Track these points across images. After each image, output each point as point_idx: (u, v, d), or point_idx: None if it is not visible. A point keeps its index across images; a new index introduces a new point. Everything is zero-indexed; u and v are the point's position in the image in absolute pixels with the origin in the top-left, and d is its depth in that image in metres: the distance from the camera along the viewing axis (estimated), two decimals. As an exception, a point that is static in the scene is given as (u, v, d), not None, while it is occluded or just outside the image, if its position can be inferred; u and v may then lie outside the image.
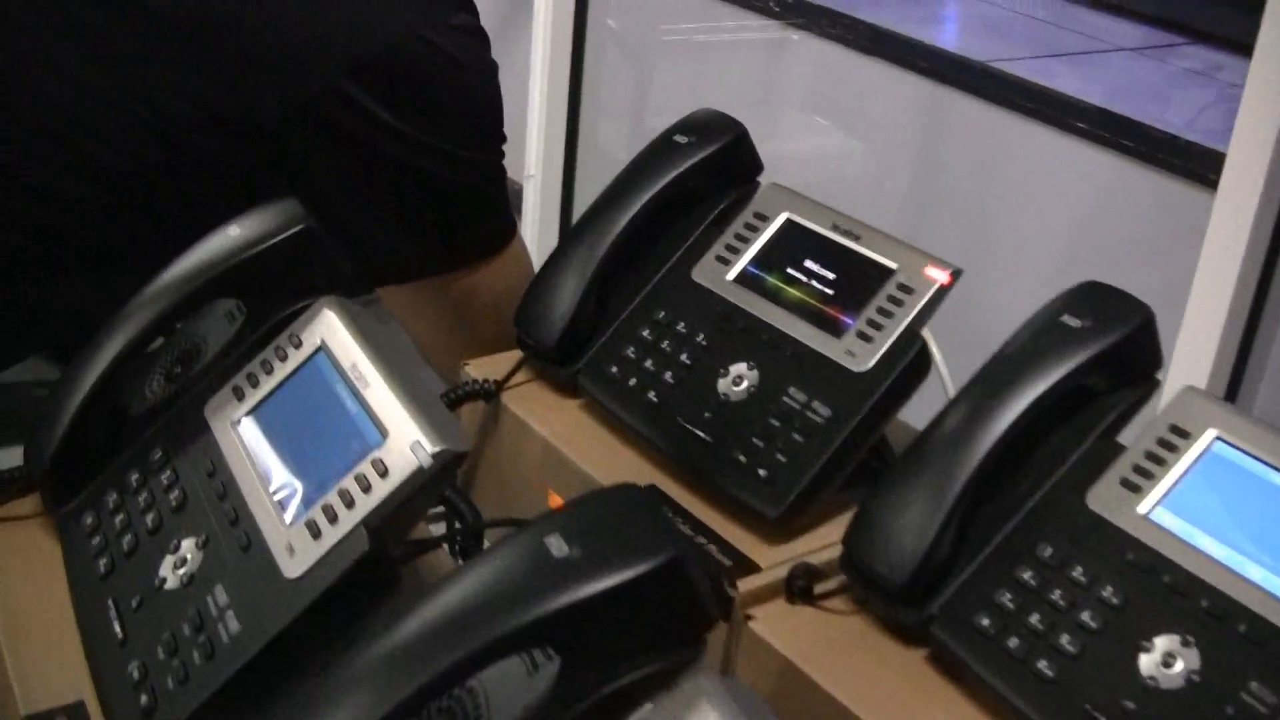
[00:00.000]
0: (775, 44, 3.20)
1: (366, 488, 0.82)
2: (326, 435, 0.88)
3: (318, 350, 0.94)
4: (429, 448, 0.81)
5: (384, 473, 0.82)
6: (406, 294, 1.46)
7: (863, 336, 1.08)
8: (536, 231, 3.15)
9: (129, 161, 1.26)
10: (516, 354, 1.25)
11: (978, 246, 2.71)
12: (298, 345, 0.96)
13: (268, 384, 0.96)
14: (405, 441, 0.83)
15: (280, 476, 0.89)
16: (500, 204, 1.46)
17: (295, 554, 0.83)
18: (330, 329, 0.95)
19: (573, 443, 1.16)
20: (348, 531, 0.81)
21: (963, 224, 2.78)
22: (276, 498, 0.88)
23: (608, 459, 1.14)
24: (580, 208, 3.16)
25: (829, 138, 3.14)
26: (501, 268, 1.47)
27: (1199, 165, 2.26)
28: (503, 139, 1.43)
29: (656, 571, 0.67)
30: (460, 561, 1.05)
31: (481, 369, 1.25)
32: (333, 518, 0.83)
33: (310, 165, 1.32)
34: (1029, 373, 0.96)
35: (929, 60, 2.88)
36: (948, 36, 3.47)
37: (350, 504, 0.82)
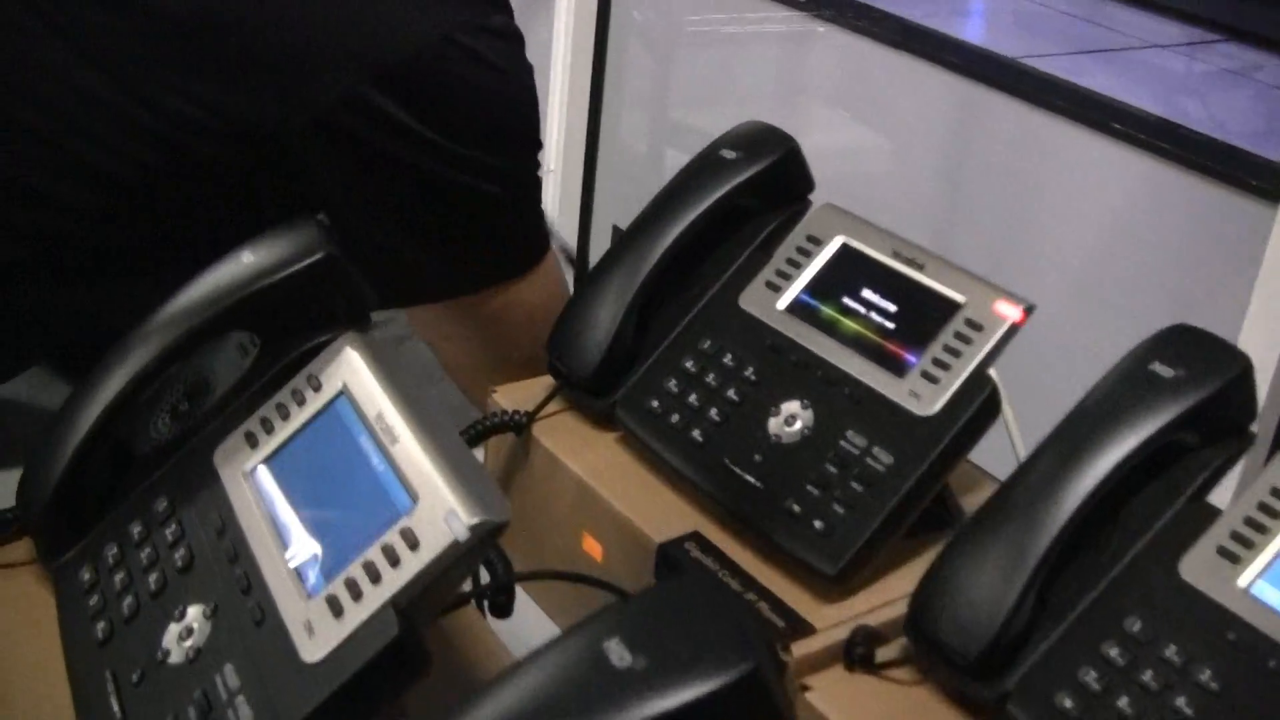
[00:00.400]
0: (801, 37, 3.13)
1: (395, 561, 0.74)
2: (349, 495, 0.80)
3: (339, 395, 0.86)
4: (465, 519, 0.73)
5: (414, 545, 0.74)
6: (434, 313, 1.39)
7: (928, 377, 1.00)
8: (557, 230, 3.07)
9: (129, 166, 1.19)
10: (547, 381, 1.17)
11: (1007, 251, 2.63)
12: (317, 388, 0.87)
13: (283, 431, 0.88)
14: (438, 510, 0.74)
15: (298, 540, 0.81)
16: (536, 215, 1.38)
17: (315, 634, 0.74)
18: (352, 371, 0.86)
19: (609, 481, 1.08)
20: (374, 611, 0.73)
21: (992, 226, 2.70)
22: (293, 564, 0.79)
23: (646, 500, 1.06)
24: (601, 203, 3.09)
25: (855, 133, 3.07)
26: (535, 283, 1.39)
27: (1249, 174, 2.18)
28: (538, 146, 1.35)
29: (732, 687, 0.58)
30: (489, 618, 0.97)
31: (510, 397, 1.16)
32: (357, 594, 0.74)
33: (329, 179, 1.25)
34: (1118, 427, 0.88)
35: (958, 56, 2.80)
36: (978, 31, 3.40)
37: (376, 579, 0.74)
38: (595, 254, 3.14)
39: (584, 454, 1.11)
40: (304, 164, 1.24)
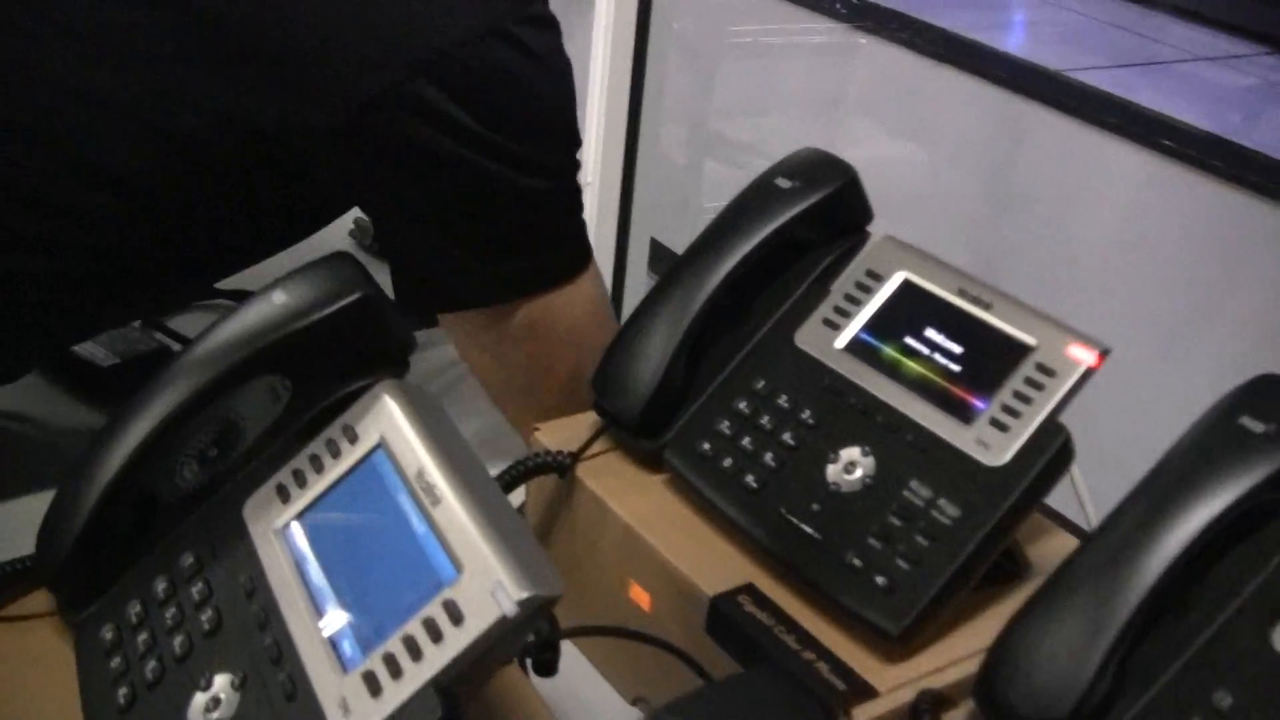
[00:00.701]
0: (843, 48, 3.09)
1: (437, 636, 0.69)
2: (388, 559, 0.75)
3: (376, 448, 0.81)
4: (514, 593, 0.68)
5: (458, 619, 0.68)
6: (471, 323, 1.33)
7: (997, 425, 0.94)
8: (594, 243, 3.01)
9: (135, 165, 1.16)
10: (592, 419, 1.12)
11: (1049, 268, 2.58)
12: (352, 439, 0.82)
13: (317, 485, 0.82)
14: (485, 581, 0.69)
15: (332, 606, 0.76)
16: (577, 222, 1.33)
17: (350, 713, 0.69)
18: (391, 422, 0.81)
19: (657, 528, 1.02)
20: (414, 692, 0.68)
21: (1034, 242, 2.65)
22: (326, 633, 0.74)
23: (697, 549, 1.01)
24: (639, 216, 3.04)
25: (896, 146, 3.03)
26: (577, 294, 1.33)
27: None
28: (578, 142, 1.31)
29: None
30: (533, 676, 0.91)
31: (554, 436, 1.11)
32: (396, 671, 0.69)
33: (365, 179, 1.21)
34: (1206, 486, 0.82)
35: (1001, 68, 2.76)
36: (1021, 43, 3.36)
37: (417, 655, 0.69)
38: (633, 268, 3.10)
39: (631, 498, 1.05)
40: (334, 164, 1.20)
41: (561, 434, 1.11)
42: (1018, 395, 0.95)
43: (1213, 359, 2.22)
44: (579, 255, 1.34)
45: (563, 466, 1.08)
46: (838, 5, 3.03)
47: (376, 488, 0.79)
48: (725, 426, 1.04)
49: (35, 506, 0.93)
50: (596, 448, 1.10)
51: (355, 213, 1.76)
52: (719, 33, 3.28)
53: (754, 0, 3.23)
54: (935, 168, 2.94)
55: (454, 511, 0.73)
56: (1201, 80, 3.19)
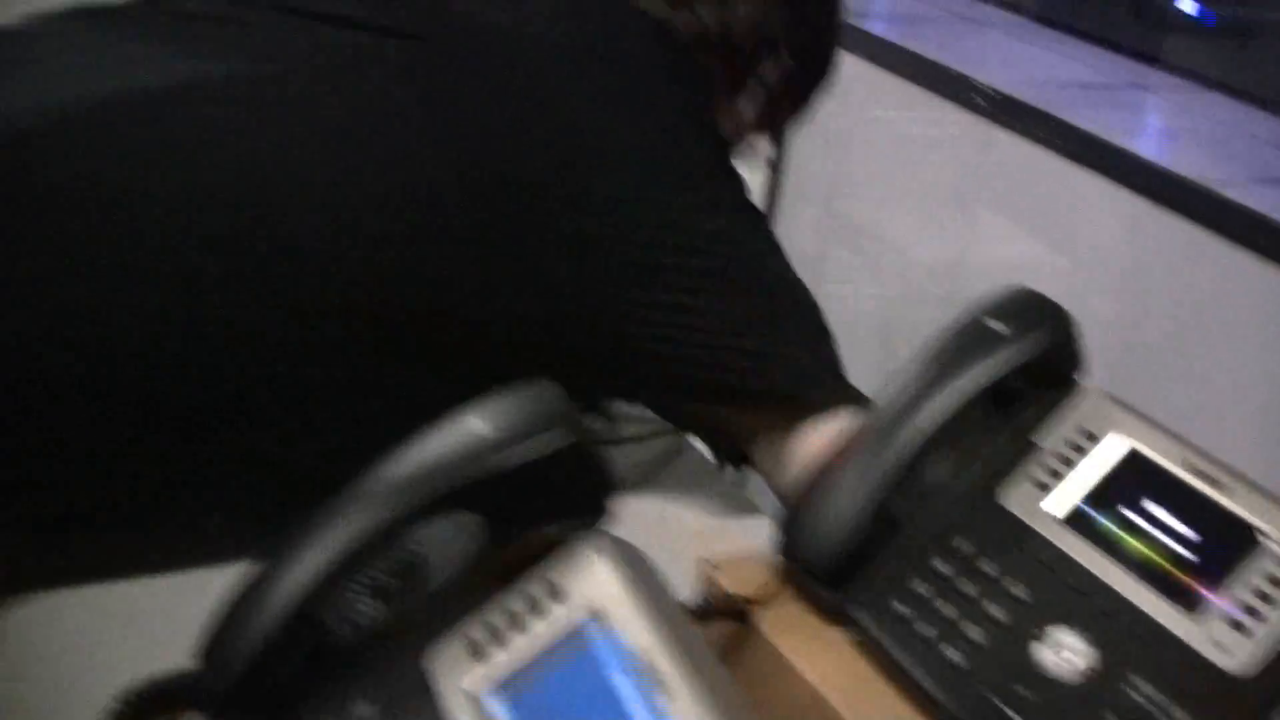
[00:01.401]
0: (979, 142, 3.03)
1: None
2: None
3: (590, 618, 0.73)
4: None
5: None
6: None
7: (1235, 625, 0.86)
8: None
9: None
10: (771, 558, 1.04)
11: (1185, 390, 2.49)
12: (557, 598, 0.74)
13: (516, 646, 0.74)
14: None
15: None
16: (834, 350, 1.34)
17: None
18: (606, 590, 0.73)
19: (844, 693, 0.94)
20: None
21: (1169, 361, 2.56)
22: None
23: (888, 722, 0.92)
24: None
25: (1028, 246, 2.96)
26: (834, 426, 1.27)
27: None
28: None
29: None
30: None
31: (732, 576, 1.03)
32: None
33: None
34: None
35: (1142, 175, 2.68)
36: (1163, 151, 3.27)
37: None
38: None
39: (816, 655, 0.97)
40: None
41: (739, 574, 1.04)
42: (1259, 594, 0.87)
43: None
44: (841, 384, 1.30)
45: (742, 614, 1.00)
46: (976, 98, 2.97)
47: (590, 666, 0.71)
48: (922, 589, 0.96)
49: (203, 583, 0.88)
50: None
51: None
52: (853, 116, 3.22)
53: (892, 86, 3.16)
54: (1068, 271, 2.86)
55: (689, 710, 0.65)
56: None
